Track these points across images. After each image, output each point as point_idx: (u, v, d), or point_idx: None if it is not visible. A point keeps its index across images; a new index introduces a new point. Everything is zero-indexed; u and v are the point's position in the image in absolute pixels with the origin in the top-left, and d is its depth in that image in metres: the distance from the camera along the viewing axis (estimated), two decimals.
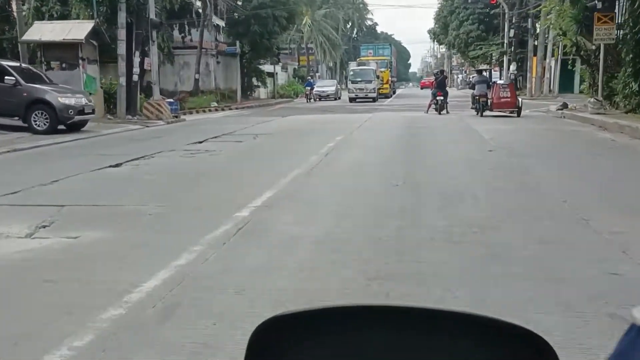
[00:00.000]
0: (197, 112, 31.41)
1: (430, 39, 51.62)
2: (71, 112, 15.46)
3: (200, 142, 13.42)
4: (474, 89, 21.29)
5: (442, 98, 21.96)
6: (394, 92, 50.74)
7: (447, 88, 22.60)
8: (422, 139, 13.22)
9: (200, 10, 34.47)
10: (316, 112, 26.45)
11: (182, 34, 35.82)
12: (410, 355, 0.63)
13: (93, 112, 16.56)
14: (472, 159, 9.51)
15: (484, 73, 25.02)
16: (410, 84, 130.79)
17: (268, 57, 38.38)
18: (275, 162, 9.74)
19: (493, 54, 39.53)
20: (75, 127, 16.44)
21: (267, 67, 47.02)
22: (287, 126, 18.28)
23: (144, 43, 21.30)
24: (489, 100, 20.47)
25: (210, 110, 32.19)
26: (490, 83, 21.16)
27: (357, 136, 14.56)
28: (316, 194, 7.01)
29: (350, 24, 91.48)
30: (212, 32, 36.14)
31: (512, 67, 35.04)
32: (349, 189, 7.31)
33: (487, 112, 20.52)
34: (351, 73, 36.31)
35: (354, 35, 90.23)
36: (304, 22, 55.57)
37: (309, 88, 37.81)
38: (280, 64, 53.02)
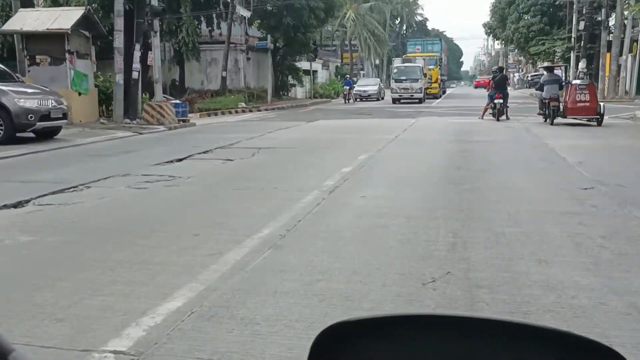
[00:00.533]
0: (223, 113, 28.41)
1: (486, 33, 47.02)
2: (31, 117, 12.36)
3: (179, 161, 10.07)
4: (541, 90, 17.25)
5: (501, 101, 17.97)
6: (444, 92, 46.48)
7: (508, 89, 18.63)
8: (478, 164, 9.42)
9: (229, 1, 31.33)
10: (350, 116, 22.81)
11: (210, 28, 32.77)
12: None
13: (64, 117, 13.45)
14: (566, 214, 5.69)
15: (557, 71, 20.81)
16: (462, 82, 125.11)
17: (304, 53, 34.94)
18: (238, 213, 6.21)
19: (557, 50, 34.89)
20: (46, 135, 13.41)
21: (304, 65, 43.70)
22: (304, 136, 14.75)
23: (146, 35, 18.17)
24: (561, 105, 16.40)
25: (237, 112, 29.11)
26: (564, 83, 17.00)
27: (386, 155, 10.88)
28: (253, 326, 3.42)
29: (399, 19, 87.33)
30: (242, 26, 32.99)
31: (582, 64, 30.44)
32: (334, 314, 3.64)
33: (558, 119, 16.46)
34: (395, 71, 32.48)
35: (402, 32, 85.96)
36: (347, 16, 51.95)
37: (347, 87, 34.13)
38: (321, 61, 49.57)
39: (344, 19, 52.86)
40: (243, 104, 30.46)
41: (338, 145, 12.35)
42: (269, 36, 31.70)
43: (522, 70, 75.90)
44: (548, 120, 16.77)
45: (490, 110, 18.72)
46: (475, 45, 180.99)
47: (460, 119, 19.67)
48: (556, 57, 38.98)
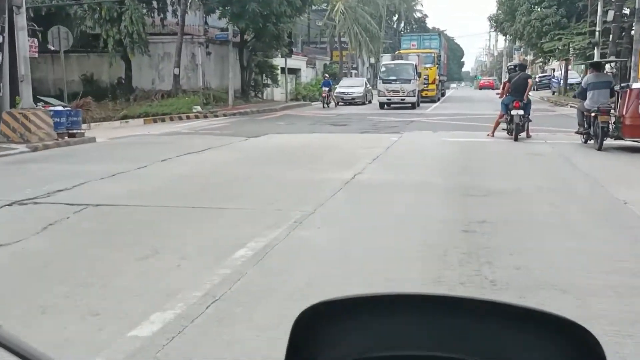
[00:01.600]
0: (172, 119, 23.18)
1: (491, 27, 41.48)
2: None
3: None
4: (582, 98, 11.76)
5: (521, 113, 12.44)
6: (443, 95, 40.90)
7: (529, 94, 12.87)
8: (502, 270, 3.89)
9: None
10: (317, 127, 17.29)
11: (162, 15, 27.24)
12: (455, 344, 0.64)
13: None
14: None
15: (607, 70, 15.22)
16: (463, 83, 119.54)
17: (278, 48, 29.43)
18: None
19: (576, 47, 29.37)
20: None
21: (282, 62, 38.19)
22: (206, 170, 9.10)
23: (11, 16, 12.62)
24: (612, 119, 10.90)
25: (189, 117, 23.76)
26: (618, 88, 11.38)
27: (308, 239, 5.21)
28: None
29: (397, 16, 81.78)
30: (199, 13, 27.47)
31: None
32: None
33: (608, 140, 10.98)
34: (382, 70, 26.90)
35: (400, 29, 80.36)
36: (336, 8, 46.40)
37: (325, 89, 28.53)
38: (305, 58, 44.05)
39: (332, 12, 47.33)
40: (198, 108, 24.98)
41: (243, 196, 6.83)
42: (230, 26, 26.16)
43: (528, 71, 70.38)
44: (591, 141, 11.31)
45: (503, 125, 13.24)
46: (476, 46, 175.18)
47: (462, 135, 14.18)
48: (572, 55, 33.46)
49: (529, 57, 71.55)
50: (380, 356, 0.67)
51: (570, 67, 45.79)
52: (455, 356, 0.65)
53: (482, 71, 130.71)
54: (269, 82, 33.04)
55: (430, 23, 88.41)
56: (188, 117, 23.72)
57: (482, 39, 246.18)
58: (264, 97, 34.76)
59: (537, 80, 56.64)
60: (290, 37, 30.55)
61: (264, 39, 28.26)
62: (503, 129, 13.36)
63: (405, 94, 26.06)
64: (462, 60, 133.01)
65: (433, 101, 32.71)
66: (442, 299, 0.68)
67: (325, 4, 48.90)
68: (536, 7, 33.12)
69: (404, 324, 0.66)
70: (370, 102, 31.18)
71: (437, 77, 33.77)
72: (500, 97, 13.51)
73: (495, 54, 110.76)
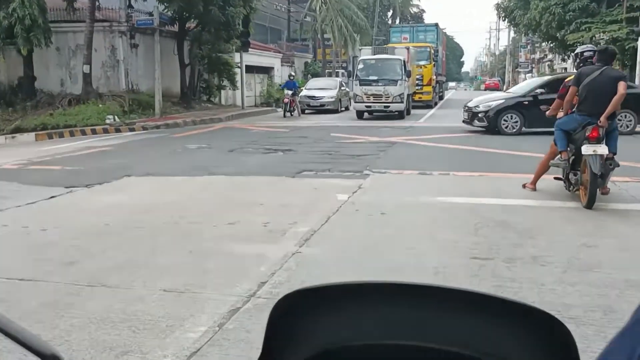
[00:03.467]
0: (73, 134, 17.20)
1: (499, 18, 34.79)
2: None
3: None
4: None
5: (604, 151, 5.88)
6: (441, 98, 34.35)
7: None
8: None
9: None
10: (234, 159, 10.69)
11: None
12: (426, 332, 0.65)
13: None
14: None
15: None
16: (462, 84, 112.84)
17: (228, 40, 22.84)
18: None
19: (612, 36, 22.79)
20: None
21: (260, 60, 31.75)
22: None
23: None
24: None
25: (94, 132, 17.57)
26: None
27: None
28: None
29: (391, 11, 75.50)
30: None
31: None
32: None
33: None
34: (360, 67, 20.25)
35: (396, 24, 73.78)
36: None
37: (289, 92, 21.77)
38: (279, 55, 37.48)
39: (314, 1, 40.76)
40: (112, 118, 18.51)
41: None
42: (156, 10, 19.56)
43: (534, 71, 63.83)
44: None
45: (561, 162, 6.65)
46: (476, 45, 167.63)
47: (474, 185, 7.63)
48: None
49: (536, 55, 65.06)
50: (357, 345, 0.66)
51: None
52: (432, 345, 0.64)
53: (482, 71, 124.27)
54: (225, 83, 26.43)
55: (427, 19, 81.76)
56: (94, 132, 17.34)
57: (482, 38, 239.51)
58: (223, 102, 28.19)
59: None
60: (246, 26, 23.95)
61: (208, 27, 21.70)
62: (558, 178, 6.82)
63: (389, 99, 19.48)
64: (461, 60, 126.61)
65: (429, 106, 26.18)
66: (419, 288, 0.67)
67: None
68: None
69: (382, 313, 0.66)
70: (347, 108, 24.56)
71: (434, 77, 27.15)
72: (550, 115, 6.90)
73: (497, 53, 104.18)
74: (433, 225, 5.55)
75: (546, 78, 16.51)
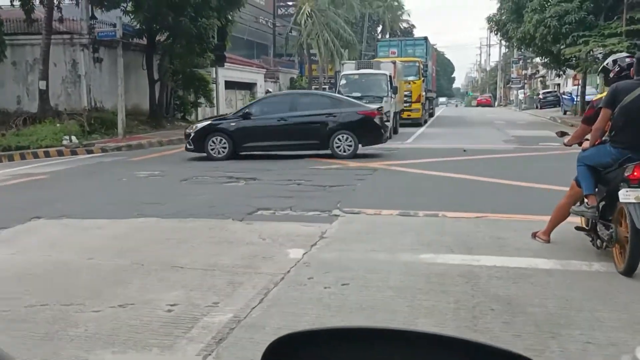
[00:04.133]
0: (24, 157, 15.55)
1: (490, 31, 33.43)
2: None
3: None
4: None
5: None
6: (432, 115, 32.88)
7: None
8: None
9: None
10: (195, 192, 8.94)
11: (28, 6, 18.94)
12: None
13: None
14: None
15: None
16: (454, 100, 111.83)
17: (202, 54, 21.20)
18: None
19: (611, 50, 21.34)
20: None
21: (241, 75, 30.26)
22: None
23: None
24: None
25: (48, 155, 15.98)
26: None
27: None
28: None
29: (381, 27, 74.63)
30: (81, 3, 19.17)
31: None
32: None
33: None
34: (342, 83, 18.59)
35: (384, 38, 72.75)
36: (302, 11, 38.45)
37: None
38: (262, 70, 35.95)
39: (299, 15, 39.38)
40: (69, 139, 16.76)
41: None
42: (118, 21, 17.90)
43: (526, 87, 62.68)
44: None
45: (576, 214, 5.01)
46: (466, 62, 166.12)
47: (469, 230, 5.97)
48: (590, 63, 25.52)
49: (528, 71, 63.97)
50: None
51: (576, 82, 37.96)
52: None
53: (473, 87, 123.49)
54: (201, 100, 24.79)
55: (418, 35, 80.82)
56: (47, 155, 15.66)
57: (473, 54, 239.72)
58: (193, 120, 26.42)
59: (540, 97, 48.93)
60: (222, 39, 22.35)
61: (179, 39, 20.08)
62: (580, 229, 5.14)
63: None
64: (452, 75, 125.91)
65: (418, 124, 24.62)
66: (400, 333, 0.69)
67: (292, 4, 41.11)
68: (550, 2, 25.04)
69: (367, 357, 0.66)
70: None
71: (423, 94, 25.60)
72: (570, 144, 5.25)
73: (488, 68, 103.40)
74: (412, 309, 3.83)
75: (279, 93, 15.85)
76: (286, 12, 46.04)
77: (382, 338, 0.68)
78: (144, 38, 20.52)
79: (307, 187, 9.05)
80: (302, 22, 38.09)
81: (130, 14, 18.85)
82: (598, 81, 38.65)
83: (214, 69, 23.86)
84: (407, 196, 8.07)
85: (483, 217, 6.57)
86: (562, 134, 5.50)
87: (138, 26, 19.53)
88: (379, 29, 74.34)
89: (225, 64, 28.68)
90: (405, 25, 78.23)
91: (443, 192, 8.43)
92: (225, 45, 23.05)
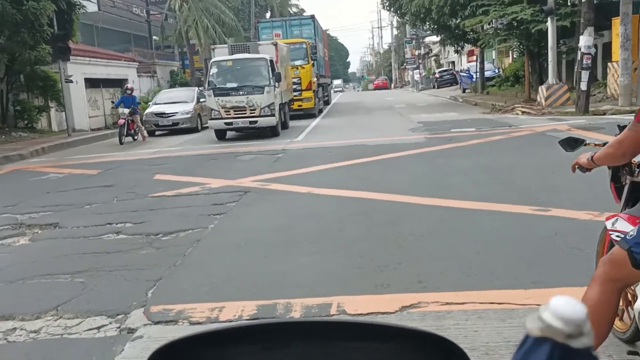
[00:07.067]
0: None
1: (383, 7, 30.73)
2: None
3: None
4: None
5: None
6: (327, 103, 30.01)
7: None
8: None
9: None
10: None
11: None
12: None
13: None
14: None
15: None
16: (350, 85, 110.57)
17: (35, 46, 16.77)
18: None
19: (510, 19, 19.19)
20: None
21: (109, 71, 25.63)
22: None
23: None
24: None
25: None
26: None
27: None
28: None
29: (269, 12, 71.10)
30: None
31: (585, 39, 14.97)
32: None
33: None
34: (214, 72, 14.97)
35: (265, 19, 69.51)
36: None
37: (125, 111, 16.03)
38: (135, 64, 31.39)
39: (172, 0, 35.07)
40: None
41: None
42: None
43: (421, 67, 61.69)
44: None
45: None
46: (361, 45, 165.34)
47: None
48: (489, 38, 23.68)
49: (422, 51, 63.01)
50: None
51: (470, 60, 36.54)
52: None
53: (368, 71, 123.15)
54: (49, 104, 20.26)
55: None
56: None
57: (366, 38, 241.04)
58: (56, 127, 21.65)
59: (437, 76, 47.66)
60: (64, 27, 17.96)
61: (1, 29, 15.61)
62: (634, 353, 2.13)
63: (256, 113, 14.48)
64: (347, 60, 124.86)
65: (312, 115, 21.56)
66: (305, 324, 0.65)
67: None
68: None
69: (270, 353, 0.63)
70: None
71: (315, 80, 22.50)
72: (599, 164, 2.24)
73: (382, 51, 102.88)
74: None
75: None
76: None
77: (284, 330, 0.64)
78: None
79: (126, 239, 5.56)
80: (177, 7, 33.80)
81: None
82: (494, 56, 37.59)
83: (73, 66, 19.47)
84: (283, 255, 4.81)
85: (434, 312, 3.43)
86: (579, 165, 2.43)
87: None
88: (268, 15, 70.98)
89: (87, 58, 24.25)
90: (295, 10, 75.35)
91: (347, 235, 5.26)
92: (70, 34, 18.70)
